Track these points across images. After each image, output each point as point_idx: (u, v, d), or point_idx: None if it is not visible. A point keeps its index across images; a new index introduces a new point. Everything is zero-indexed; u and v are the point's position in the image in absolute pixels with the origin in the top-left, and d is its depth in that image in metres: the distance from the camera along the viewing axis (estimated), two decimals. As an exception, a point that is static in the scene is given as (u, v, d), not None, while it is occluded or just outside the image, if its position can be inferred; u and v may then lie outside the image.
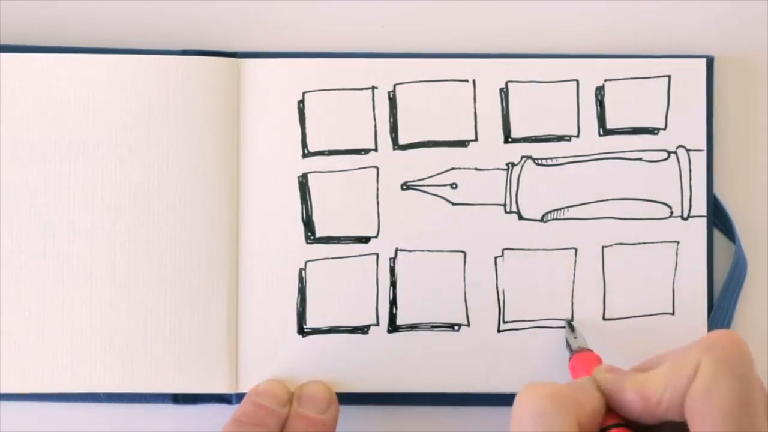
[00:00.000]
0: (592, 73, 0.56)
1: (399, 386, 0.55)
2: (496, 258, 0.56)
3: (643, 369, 0.45)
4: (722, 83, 0.57)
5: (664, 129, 0.56)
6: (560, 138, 0.56)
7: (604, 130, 0.56)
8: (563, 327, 0.55)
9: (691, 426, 0.42)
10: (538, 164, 0.56)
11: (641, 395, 0.44)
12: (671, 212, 0.56)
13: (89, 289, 0.55)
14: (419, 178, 0.56)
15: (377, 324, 0.56)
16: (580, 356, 0.52)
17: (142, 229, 0.55)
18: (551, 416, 0.43)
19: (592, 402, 0.44)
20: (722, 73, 0.57)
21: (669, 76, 0.56)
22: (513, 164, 0.56)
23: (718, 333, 0.44)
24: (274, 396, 0.53)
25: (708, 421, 0.41)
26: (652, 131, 0.56)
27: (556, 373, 0.55)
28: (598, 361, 0.51)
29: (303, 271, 0.55)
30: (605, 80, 0.56)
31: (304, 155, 0.56)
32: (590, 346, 0.53)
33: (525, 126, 0.56)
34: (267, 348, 0.55)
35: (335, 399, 0.54)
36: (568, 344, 0.54)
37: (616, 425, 0.45)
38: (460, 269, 0.56)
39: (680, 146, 0.56)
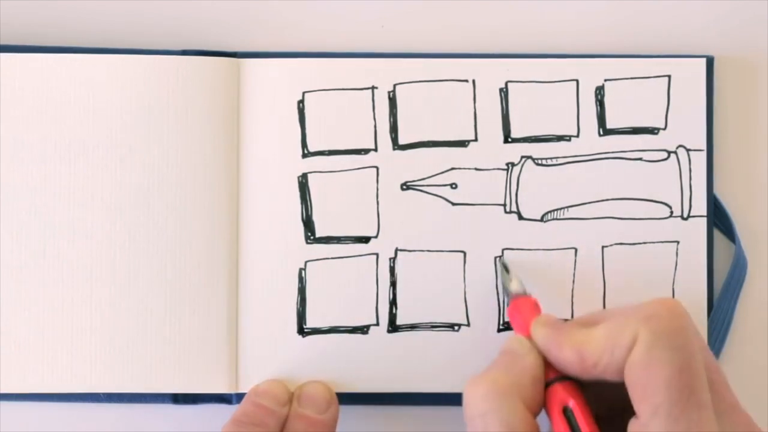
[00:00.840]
0: (592, 73, 0.56)
1: (399, 386, 0.55)
2: (496, 258, 0.56)
3: (583, 324, 0.46)
4: (722, 83, 0.57)
5: (664, 129, 0.56)
6: (560, 138, 0.56)
7: (604, 130, 0.56)
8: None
9: (632, 396, 0.43)
10: (538, 164, 0.56)
11: (578, 355, 0.45)
12: (671, 212, 0.56)
13: (89, 289, 0.55)
14: (419, 178, 0.56)
15: (377, 324, 0.56)
16: (517, 302, 0.51)
17: (142, 229, 0.55)
18: (498, 411, 0.44)
19: (531, 371, 0.46)
20: (722, 73, 0.57)
21: (669, 76, 0.56)
22: (513, 164, 0.56)
23: (656, 303, 0.44)
24: (274, 396, 0.53)
25: (648, 391, 0.42)
26: (652, 131, 0.56)
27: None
28: (536, 307, 0.51)
29: (303, 271, 0.55)
30: (605, 80, 0.56)
31: (304, 155, 0.56)
32: (527, 289, 0.52)
33: (525, 126, 0.56)
34: (267, 348, 0.55)
35: (335, 399, 0.54)
36: (504, 288, 0.53)
37: (558, 379, 0.46)
38: (460, 269, 0.56)
39: (680, 146, 0.56)
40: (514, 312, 0.51)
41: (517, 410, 0.44)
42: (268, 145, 0.56)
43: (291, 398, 0.54)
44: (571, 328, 0.46)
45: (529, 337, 0.48)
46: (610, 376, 0.44)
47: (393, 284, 0.56)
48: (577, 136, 0.56)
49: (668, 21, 0.57)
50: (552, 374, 0.46)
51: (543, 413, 0.46)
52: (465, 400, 0.46)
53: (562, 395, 0.46)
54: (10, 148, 0.55)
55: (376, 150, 0.56)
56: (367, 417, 0.56)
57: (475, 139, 0.56)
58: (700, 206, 0.56)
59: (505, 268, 0.54)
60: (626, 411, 0.44)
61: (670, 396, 0.42)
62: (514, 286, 0.53)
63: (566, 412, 0.45)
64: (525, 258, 0.56)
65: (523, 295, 0.52)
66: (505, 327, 0.56)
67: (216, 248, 0.55)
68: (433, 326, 0.56)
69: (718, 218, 0.56)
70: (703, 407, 0.42)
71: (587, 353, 0.44)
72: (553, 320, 0.48)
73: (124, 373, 0.55)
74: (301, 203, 0.56)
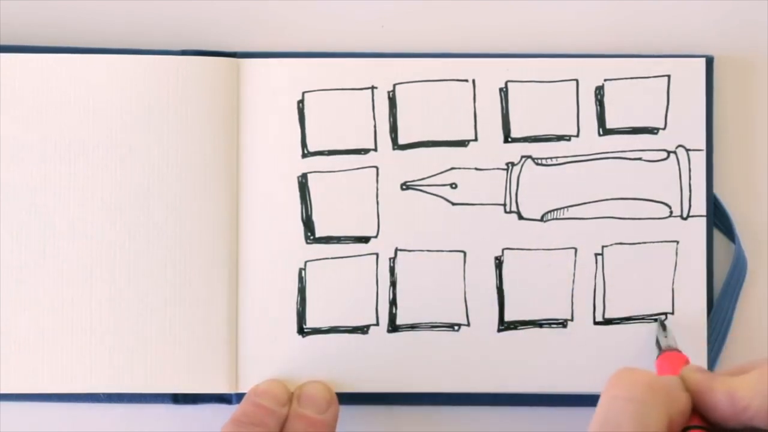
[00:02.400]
0: (592, 72, 0.56)
1: (399, 386, 0.55)
2: (496, 258, 0.56)
3: (732, 373, 0.45)
4: (722, 83, 0.57)
5: (664, 129, 0.56)
6: (560, 138, 0.56)
7: (604, 130, 0.56)
8: (561, 326, 0.55)
9: None
10: (537, 164, 0.56)
11: (729, 397, 0.43)
12: (671, 212, 0.56)
13: (89, 289, 0.55)
14: (419, 178, 0.56)
15: (377, 324, 0.56)
16: (667, 355, 0.52)
17: (142, 229, 0.55)
18: (645, 404, 0.42)
19: (682, 400, 0.44)
20: (722, 73, 0.57)
21: (669, 76, 0.56)
22: (513, 164, 0.56)
23: None
24: (274, 396, 0.53)
25: None
26: (651, 131, 0.56)
27: (555, 373, 0.55)
28: (686, 362, 0.51)
29: (303, 271, 0.55)
30: (605, 80, 0.56)
31: (304, 155, 0.56)
32: (679, 347, 0.53)
33: (525, 126, 0.56)
34: (267, 348, 0.55)
35: (335, 399, 0.54)
36: (657, 342, 0.54)
37: (698, 427, 0.44)
38: (460, 269, 0.56)
39: (680, 146, 0.56)
40: (664, 362, 0.52)
41: (661, 417, 0.43)
42: (268, 145, 0.56)
43: (291, 398, 0.54)
44: (723, 375, 0.45)
45: None
46: (760, 421, 0.43)
47: (393, 284, 0.56)
48: (577, 135, 0.56)
49: (668, 21, 0.57)
50: (694, 422, 0.45)
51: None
52: (617, 379, 0.44)
53: None
54: (10, 148, 0.55)
55: (375, 150, 0.56)
56: (367, 417, 0.56)
57: (475, 139, 0.56)
58: (700, 206, 0.56)
59: (663, 325, 0.55)
60: None
61: None
62: (669, 342, 0.53)
63: None
64: (525, 258, 0.56)
65: (676, 350, 0.52)
66: (505, 327, 0.55)
67: (216, 248, 0.55)
68: (433, 326, 0.56)
69: (718, 218, 0.56)
70: None
71: (739, 395, 0.43)
72: (703, 368, 0.47)
73: (124, 373, 0.55)
74: (301, 203, 0.56)
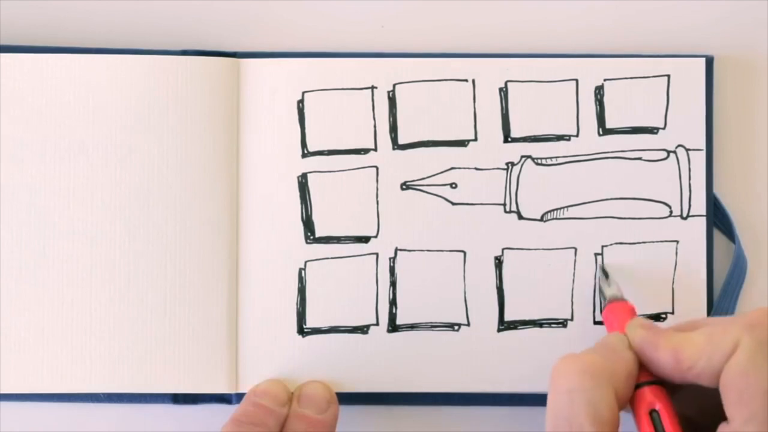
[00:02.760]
0: (592, 72, 0.56)
1: (399, 386, 0.55)
2: (495, 258, 0.56)
3: (678, 328, 0.46)
4: (722, 83, 0.57)
5: (664, 128, 0.56)
6: (560, 137, 0.56)
7: (604, 130, 0.56)
8: (561, 326, 0.55)
9: (726, 401, 0.42)
10: (537, 164, 0.56)
11: (674, 356, 0.44)
12: (671, 212, 0.56)
13: (89, 289, 0.55)
14: (419, 177, 0.56)
15: (377, 324, 0.56)
16: (613, 306, 0.52)
17: (142, 229, 0.55)
18: (590, 390, 0.43)
19: (626, 366, 0.45)
20: (722, 73, 0.57)
21: (668, 76, 0.56)
22: (512, 164, 0.56)
23: (760, 312, 0.44)
24: (274, 396, 0.53)
25: (744, 399, 0.42)
26: (651, 131, 0.56)
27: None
28: (632, 312, 0.51)
29: (303, 271, 0.55)
30: (605, 80, 0.56)
31: (304, 155, 0.56)
32: (625, 296, 0.53)
33: (524, 125, 0.56)
34: (267, 348, 0.55)
35: (335, 399, 0.54)
36: (601, 291, 0.54)
37: (648, 383, 0.45)
38: (460, 269, 0.56)
39: (680, 146, 0.56)
40: (610, 314, 0.51)
41: (606, 396, 0.43)
42: (267, 145, 0.56)
43: (291, 398, 0.54)
44: (668, 331, 0.46)
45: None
46: (705, 380, 0.43)
47: (393, 284, 0.56)
48: (577, 135, 0.56)
49: (668, 21, 0.57)
50: (642, 377, 0.46)
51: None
52: (555, 373, 0.45)
53: (651, 398, 0.45)
54: (10, 148, 0.55)
55: (375, 150, 0.56)
56: (367, 417, 0.56)
57: (475, 139, 0.56)
58: (700, 206, 0.56)
59: (604, 273, 0.55)
60: (714, 419, 0.43)
61: (765, 409, 0.41)
62: (613, 290, 0.53)
63: (653, 416, 0.45)
64: (525, 258, 0.56)
65: (621, 299, 0.52)
66: (505, 327, 0.55)
67: (216, 248, 0.55)
68: (433, 326, 0.56)
69: (718, 218, 0.56)
70: None
71: (684, 356, 0.44)
72: (649, 323, 0.47)
73: (124, 373, 0.55)
74: (301, 203, 0.56)
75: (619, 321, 0.50)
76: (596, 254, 0.56)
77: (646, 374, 0.46)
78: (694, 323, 0.46)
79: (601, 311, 0.53)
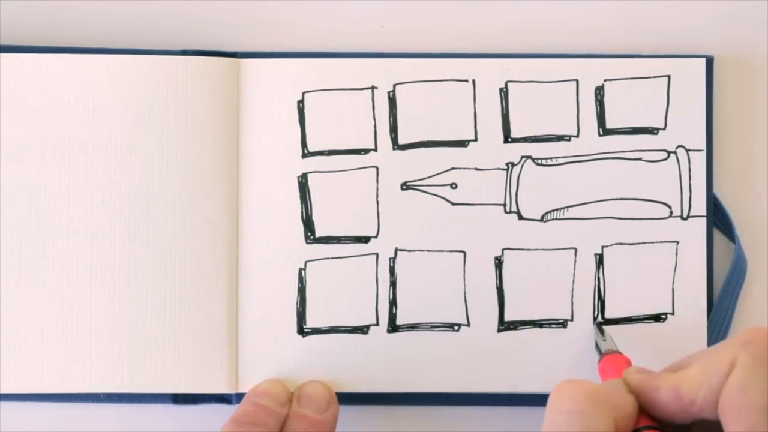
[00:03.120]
0: (592, 73, 0.56)
1: (399, 386, 0.55)
2: (496, 258, 0.56)
3: (673, 369, 0.45)
4: (722, 83, 0.57)
5: (664, 129, 0.56)
6: (560, 138, 0.56)
7: (604, 130, 0.56)
8: (561, 326, 0.55)
9: (724, 421, 0.41)
10: (537, 164, 0.56)
11: (675, 394, 0.43)
12: (671, 212, 0.56)
13: (89, 289, 0.55)
14: (419, 178, 0.56)
15: (377, 324, 0.56)
16: (609, 358, 0.52)
17: (142, 229, 0.55)
18: (589, 415, 0.42)
19: (627, 405, 0.44)
20: (722, 73, 0.57)
21: (669, 76, 0.56)
22: (513, 164, 0.56)
23: (754, 330, 0.43)
24: (274, 396, 0.53)
25: (743, 416, 0.40)
26: (651, 131, 0.56)
27: (556, 373, 0.55)
28: (628, 363, 0.51)
29: (303, 271, 0.55)
30: (605, 80, 0.56)
31: (304, 155, 0.56)
32: (619, 348, 0.53)
33: (525, 126, 0.56)
34: (267, 348, 0.55)
35: (335, 399, 0.54)
36: (597, 346, 0.54)
37: (648, 427, 0.44)
38: (460, 269, 0.56)
39: (680, 146, 0.56)
40: (606, 366, 0.51)
41: (605, 423, 0.42)
42: (267, 145, 0.56)
43: (291, 398, 0.54)
44: (665, 373, 0.45)
45: None
46: (708, 412, 0.42)
47: (393, 284, 0.56)
48: (577, 136, 0.56)
49: (668, 21, 0.57)
50: (641, 422, 0.44)
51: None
52: (556, 393, 0.43)
53: None
54: (10, 148, 0.55)
55: (376, 150, 0.56)
56: (367, 417, 0.56)
57: (475, 139, 0.56)
58: (700, 206, 0.56)
59: (599, 328, 0.55)
60: None
61: (764, 425, 0.40)
62: (608, 345, 0.53)
63: None
64: (525, 258, 0.56)
65: (616, 352, 0.52)
66: (505, 327, 0.55)
67: (216, 248, 0.55)
68: (433, 326, 0.56)
69: (718, 218, 0.56)
70: None
71: (684, 390, 0.43)
72: (645, 369, 0.46)
73: (124, 373, 0.55)
74: (301, 203, 0.56)
75: (615, 372, 0.50)
76: (596, 254, 0.56)
77: (645, 419, 0.44)
78: (687, 359, 0.45)
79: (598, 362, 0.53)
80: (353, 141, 0.56)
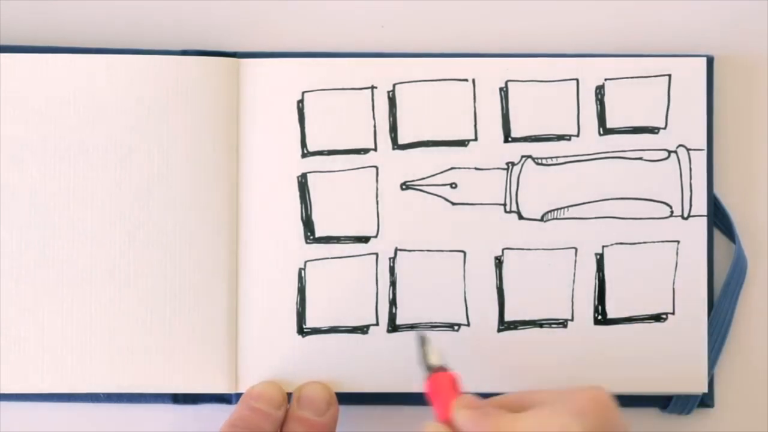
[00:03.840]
0: (593, 72, 0.56)
1: (399, 386, 0.55)
2: (496, 258, 0.56)
3: (508, 404, 0.45)
4: (722, 83, 0.57)
5: (664, 128, 0.56)
6: (560, 137, 0.56)
7: (604, 130, 0.56)
8: (561, 326, 0.55)
9: None
10: (538, 164, 0.56)
11: None
12: (671, 212, 0.56)
13: (89, 288, 0.55)
14: (419, 177, 0.56)
15: (377, 324, 0.55)
16: (436, 377, 0.48)
17: (142, 229, 0.55)
18: None
19: None
20: (722, 73, 0.57)
21: (669, 76, 0.56)
22: (513, 164, 0.56)
23: (586, 396, 0.43)
24: (270, 399, 0.53)
25: None
26: (652, 130, 0.56)
27: (555, 373, 0.55)
28: (455, 383, 0.48)
29: (302, 271, 0.55)
30: (605, 79, 0.56)
31: (304, 155, 0.56)
32: (444, 362, 0.49)
33: (525, 125, 0.56)
34: (267, 348, 0.55)
35: (335, 400, 0.54)
36: (422, 359, 0.50)
37: None
38: (460, 269, 0.56)
39: (680, 145, 0.56)
40: (433, 387, 0.48)
41: None
42: (267, 145, 0.56)
43: (287, 399, 0.54)
44: (497, 413, 0.44)
45: (448, 421, 0.46)
46: None
47: (393, 284, 0.56)
48: (578, 135, 0.56)
49: (668, 21, 0.57)
50: None
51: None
52: None
53: None
54: (10, 148, 0.55)
55: (375, 150, 0.56)
56: (367, 417, 0.56)
57: (475, 139, 0.56)
58: (700, 206, 0.56)
59: (422, 341, 0.50)
60: None
61: None
62: (434, 359, 0.49)
63: None
64: (525, 258, 0.56)
65: (442, 369, 0.49)
66: (505, 327, 0.55)
67: (216, 248, 0.55)
68: (433, 326, 0.56)
69: (718, 218, 0.56)
70: None
71: None
72: (475, 402, 0.46)
73: (124, 373, 0.54)
74: (301, 203, 0.56)
75: (444, 396, 0.47)
76: (596, 254, 0.56)
77: None
78: (522, 399, 0.45)
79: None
80: (353, 141, 0.56)
